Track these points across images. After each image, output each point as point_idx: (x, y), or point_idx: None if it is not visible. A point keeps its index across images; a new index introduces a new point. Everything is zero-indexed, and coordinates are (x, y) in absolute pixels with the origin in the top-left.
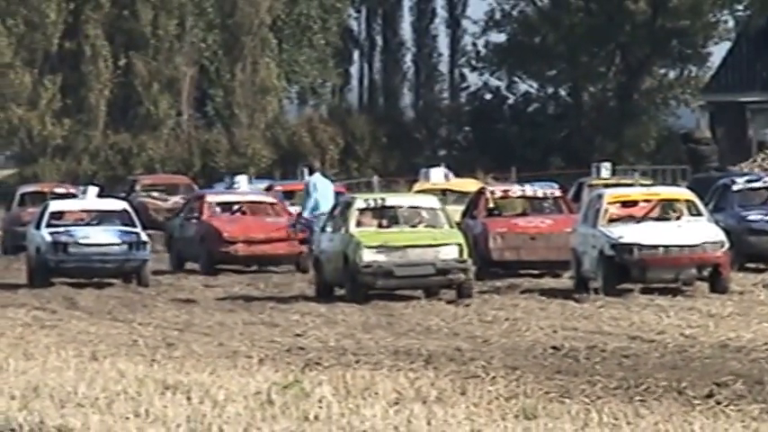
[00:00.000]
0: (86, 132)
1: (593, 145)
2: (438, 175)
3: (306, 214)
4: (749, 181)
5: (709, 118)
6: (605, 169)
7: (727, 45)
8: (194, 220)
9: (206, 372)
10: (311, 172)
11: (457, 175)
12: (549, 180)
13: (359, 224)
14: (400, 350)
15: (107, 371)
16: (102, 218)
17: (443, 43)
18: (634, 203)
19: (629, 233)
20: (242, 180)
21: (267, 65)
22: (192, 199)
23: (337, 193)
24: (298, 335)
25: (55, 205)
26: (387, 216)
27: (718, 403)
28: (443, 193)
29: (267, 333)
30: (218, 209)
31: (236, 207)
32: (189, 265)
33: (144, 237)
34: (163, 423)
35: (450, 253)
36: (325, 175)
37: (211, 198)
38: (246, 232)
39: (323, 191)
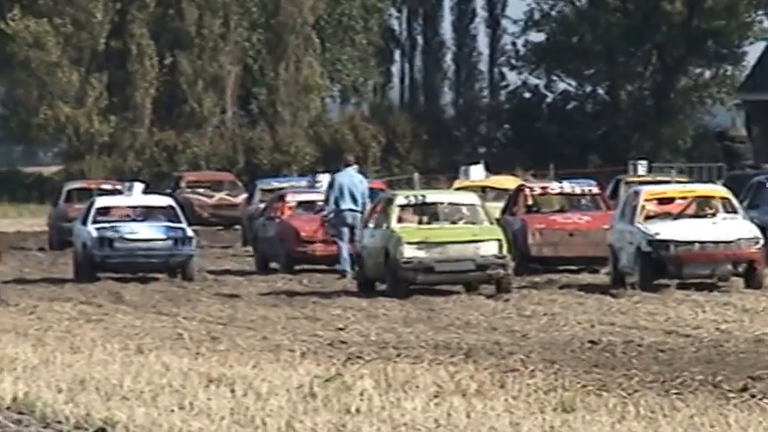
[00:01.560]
0: (132, 130)
1: (630, 143)
2: (478, 173)
3: (324, 212)
4: None
5: (744, 116)
6: (642, 167)
7: (762, 45)
8: (276, 220)
9: (249, 365)
10: (346, 165)
11: (496, 172)
12: (586, 177)
13: (400, 220)
14: (440, 344)
15: (152, 364)
16: (147, 214)
17: (483, 42)
18: (670, 200)
19: (665, 230)
20: (324, 179)
21: (310, 64)
22: (273, 198)
23: (372, 189)
24: (339, 329)
25: (101, 201)
26: (427, 212)
27: (753, 396)
28: (483, 190)
29: (309, 327)
30: (298, 208)
31: (316, 206)
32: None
33: (189, 232)
34: (207, 416)
35: (489, 249)
36: (361, 172)
37: (291, 197)
38: (324, 232)
39: (347, 186)
